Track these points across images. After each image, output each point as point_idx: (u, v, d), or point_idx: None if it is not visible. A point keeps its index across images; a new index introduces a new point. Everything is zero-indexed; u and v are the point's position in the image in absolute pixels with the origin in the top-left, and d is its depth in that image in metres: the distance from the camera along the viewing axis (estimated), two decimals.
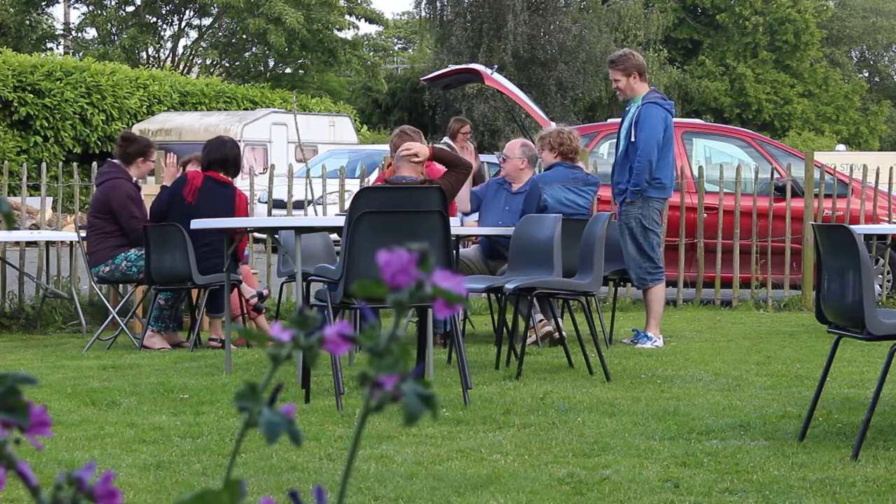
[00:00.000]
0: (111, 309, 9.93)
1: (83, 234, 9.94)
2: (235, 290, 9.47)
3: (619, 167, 9.60)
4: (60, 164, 12.88)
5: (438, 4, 39.33)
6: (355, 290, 1.24)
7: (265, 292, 9.91)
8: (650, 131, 9.42)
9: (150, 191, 10.09)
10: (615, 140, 10.58)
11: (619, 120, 10.05)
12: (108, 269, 9.52)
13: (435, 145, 9.11)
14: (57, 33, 42.19)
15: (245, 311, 9.69)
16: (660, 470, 5.08)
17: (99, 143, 28.17)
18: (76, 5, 41.94)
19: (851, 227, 5.66)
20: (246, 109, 30.13)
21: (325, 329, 1.26)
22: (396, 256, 1.22)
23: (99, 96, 28.45)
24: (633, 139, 9.44)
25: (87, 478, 1.20)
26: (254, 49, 41.98)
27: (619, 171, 9.61)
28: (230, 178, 9.38)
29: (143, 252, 9.31)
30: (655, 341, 9.35)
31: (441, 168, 10.21)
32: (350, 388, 6.96)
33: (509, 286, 7.78)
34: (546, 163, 9.59)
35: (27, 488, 1.17)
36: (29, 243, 11.94)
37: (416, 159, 8.46)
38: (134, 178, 9.67)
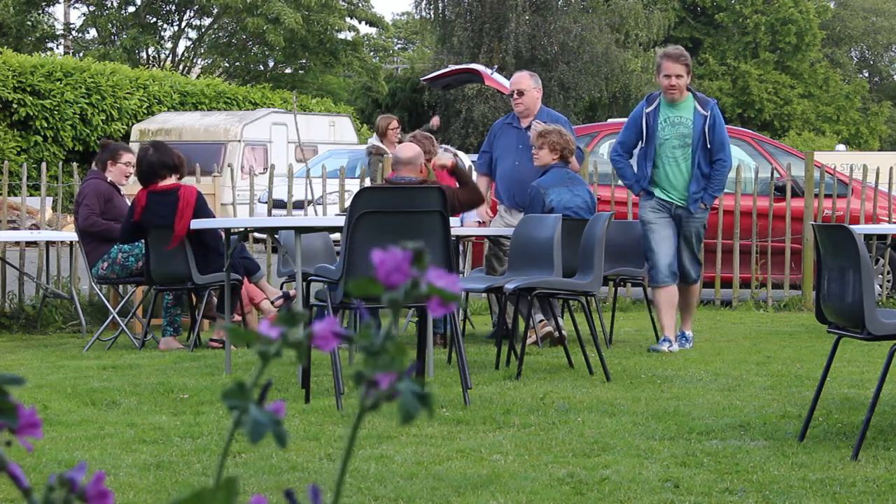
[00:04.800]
0: (111, 309, 9.93)
1: None
2: (248, 287, 9.60)
3: (697, 177, 9.09)
4: (60, 163, 12.88)
5: (440, 4, 39.29)
6: (351, 289, 1.24)
7: (292, 293, 9.88)
8: (725, 136, 9.19)
9: (130, 191, 10.14)
10: (614, 140, 10.41)
11: (627, 120, 9.46)
12: (106, 264, 9.52)
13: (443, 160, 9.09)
14: (57, 33, 42.19)
15: (246, 311, 9.70)
16: (660, 470, 5.08)
17: (99, 143, 28.17)
18: (76, 5, 41.94)
19: (851, 227, 5.65)
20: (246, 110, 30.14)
21: (313, 326, 1.26)
22: (391, 255, 1.21)
23: (99, 97, 28.46)
24: (708, 145, 9.05)
25: (79, 478, 1.19)
26: (254, 49, 41.98)
27: (696, 181, 9.10)
28: (174, 181, 9.31)
29: (134, 242, 9.44)
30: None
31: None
32: (350, 387, 6.96)
33: (509, 286, 7.78)
34: (543, 162, 9.25)
35: (19, 490, 1.17)
36: (29, 243, 11.93)
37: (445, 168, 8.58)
38: (109, 179, 9.80)
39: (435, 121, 13.79)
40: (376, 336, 1.22)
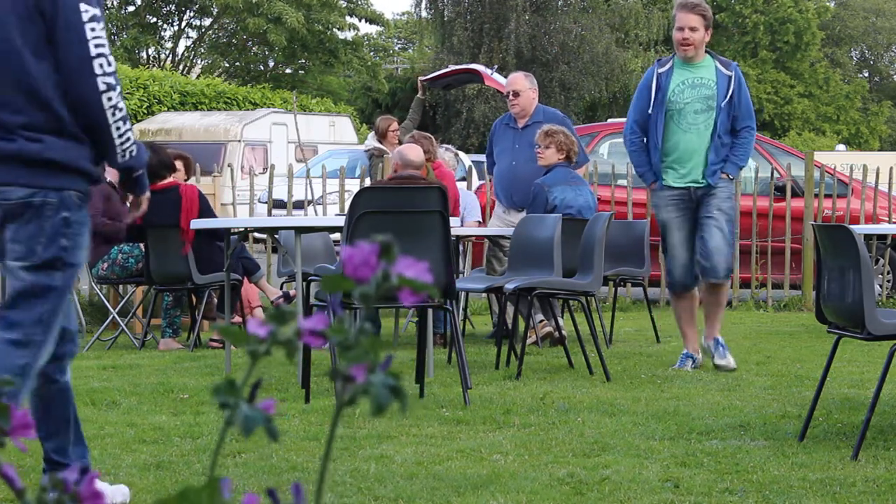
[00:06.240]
0: (111, 309, 9.93)
1: None
2: (249, 287, 9.64)
3: (716, 146, 7.99)
4: None
5: (439, 5, 39.28)
6: (322, 285, 1.24)
7: (292, 293, 9.88)
8: (750, 100, 8.16)
9: None
10: (616, 125, 10.31)
11: (637, 91, 8.23)
12: (106, 265, 9.53)
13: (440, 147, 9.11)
14: None
15: (246, 311, 9.70)
16: (660, 470, 5.07)
17: None
18: None
19: (851, 227, 5.65)
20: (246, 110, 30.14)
21: (300, 323, 1.26)
22: (358, 250, 1.22)
23: None
24: (734, 110, 7.99)
25: (73, 479, 1.19)
26: (254, 49, 41.98)
27: (715, 151, 7.99)
28: (172, 180, 9.31)
29: (134, 243, 9.43)
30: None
31: (450, 172, 10.25)
32: None
33: (509, 286, 7.77)
34: (549, 161, 9.15)
35: (12, 491, 1.16)
36: None
37: None
38: (108, 179, 9.86)
39: (420, 86, 13.49)
40: (350, 331, 1.22)
